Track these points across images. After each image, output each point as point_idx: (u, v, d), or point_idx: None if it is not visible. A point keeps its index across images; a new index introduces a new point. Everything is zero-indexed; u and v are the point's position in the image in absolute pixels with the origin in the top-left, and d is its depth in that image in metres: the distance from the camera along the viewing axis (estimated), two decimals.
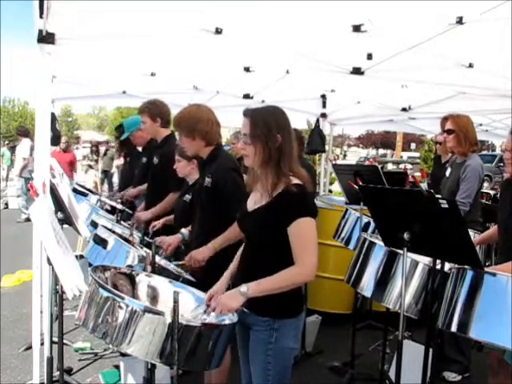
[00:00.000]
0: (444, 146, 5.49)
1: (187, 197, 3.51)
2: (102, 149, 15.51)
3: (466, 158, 3.90)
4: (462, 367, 3.91)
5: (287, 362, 2.23)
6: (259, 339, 2.20)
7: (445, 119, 4.09)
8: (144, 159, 4.67)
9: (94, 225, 3.72)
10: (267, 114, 2.22)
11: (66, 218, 2.91)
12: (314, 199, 4.69)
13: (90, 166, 14.44)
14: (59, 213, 2.87)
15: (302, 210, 2.12)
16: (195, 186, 3.39)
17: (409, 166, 19.90)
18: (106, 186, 14.00)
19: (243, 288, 2.08)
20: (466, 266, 2.24)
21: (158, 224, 3.68)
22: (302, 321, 2.36)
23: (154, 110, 4.09)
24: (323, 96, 6.15)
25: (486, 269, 2.28)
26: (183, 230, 3.16)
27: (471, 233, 2.83)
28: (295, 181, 2.17)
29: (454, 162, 4.06)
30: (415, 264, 2.77)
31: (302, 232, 2.11)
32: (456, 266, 2.35)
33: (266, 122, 2.18)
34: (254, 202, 2.29)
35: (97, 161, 14.39)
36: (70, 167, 10.75)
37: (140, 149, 5.06)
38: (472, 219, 3.74)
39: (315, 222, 2.16)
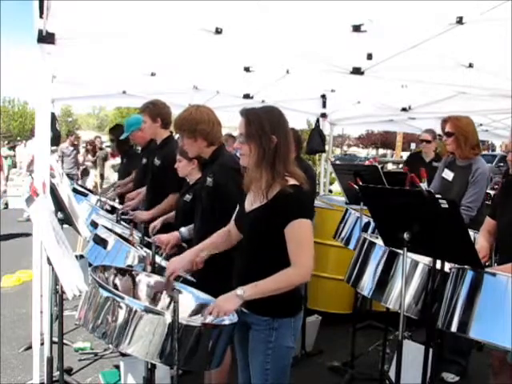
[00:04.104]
0: (429, 145, 5.54)
1: (188, 196, 3.50)
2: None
3: (471, 161, 3.82)
4: (461, 368, 3.91)
5: (286, 360, 2.24)
6: (259, 338, 2.20)
7: (444, 121, 4.03)
8: (144, 160, 4.66)
9: (94, 225, 3.72)
10: (262, 113, 2.22)
11: (65, 218, 2.91)
12: (312, 199, 4.71)
13: (86, 170, 12.75)
14: (59, 213, 2.87)
15: (298, 212, 2.13)
16: (196, 185, 3.40)
17: None
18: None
19: (239, 291, 2.09)
20: (465, 266, 2.25)
21: (158, 224, 3.68)
22: (301, 320, 2.37)
23: (155, 110, 4.08)
24: (323, 96, 6.15)
25: (486, 269, 2.28)
26: (182, 229, 3.16)
27: (471, 233, 2.83)
28: (291, 181, 2.17)
29: (455, 164, 3.96)
30: (415, 264, 2.77)
31: (297, 233, 2.12)
32: (456, 266, 2.35)
33: (261, 122, 2.18)
34: (251, 202, 2.29)
35: (94, 162, 12.88)
36: None
37: (139, 149, 5.06)
38: (483, 220, 3.71)
39: (313, 222, 2.16)
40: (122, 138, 5.10)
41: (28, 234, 8.19)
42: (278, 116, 2.25)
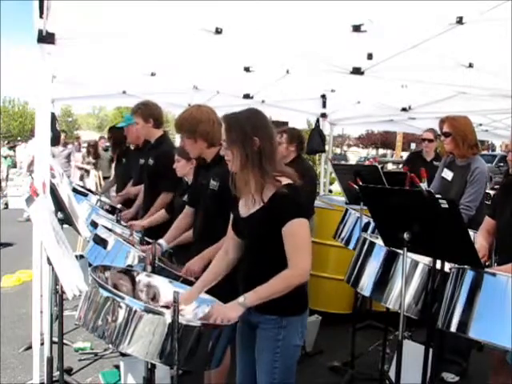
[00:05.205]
0: (431, 144, 5.51)
1: (186, 197, 3.50)
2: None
3: (469, 160, 3.82)
4: (461, 368, 3.90)
5: (293, 359, 2.26)
6: (267, 337, 2.21)
7: (442, 121, 4.03)
8: (142, 161, 4.66)
9: (94, 225, 3.72)
10: (243, 117, 2.22)
11: (65, 218, 2.91)
12: (312, 199, 4.70)
13: (87, 171, 12.06)
14: (59, 213, 2.87)
15: (295, 212, 2.13)
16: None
17: None
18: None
19: (241, 299, 2.12)
20: (465, 266, 2.25)
21: (145, 224, 3.69)
22: (307, 318, 2.38)
23: (147, 111, 4.12)
24: (323, 96, 6.14)
25: (486, 269, 2.28)
26: (160, 241, 3.12)
27: (471, 233, 2.83)
28: (285, 181, 2.17)
29: (454, 164, 3.97)
30: (415, 264, 2.77)
31: (294, 233, 2.12)
32: (456, 266, 2.35)
33: (241, 127, 2.19)
34: (246, 207, 2.28)
35: (95, 164, 11.63)
36: None
37: (133, 148, 5.07)
38: (482, 220, 3.70)
39: (313, 222, 2.16)
40: (118, 125, 5.10)
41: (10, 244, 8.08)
42: (257, 117, 2.25)
